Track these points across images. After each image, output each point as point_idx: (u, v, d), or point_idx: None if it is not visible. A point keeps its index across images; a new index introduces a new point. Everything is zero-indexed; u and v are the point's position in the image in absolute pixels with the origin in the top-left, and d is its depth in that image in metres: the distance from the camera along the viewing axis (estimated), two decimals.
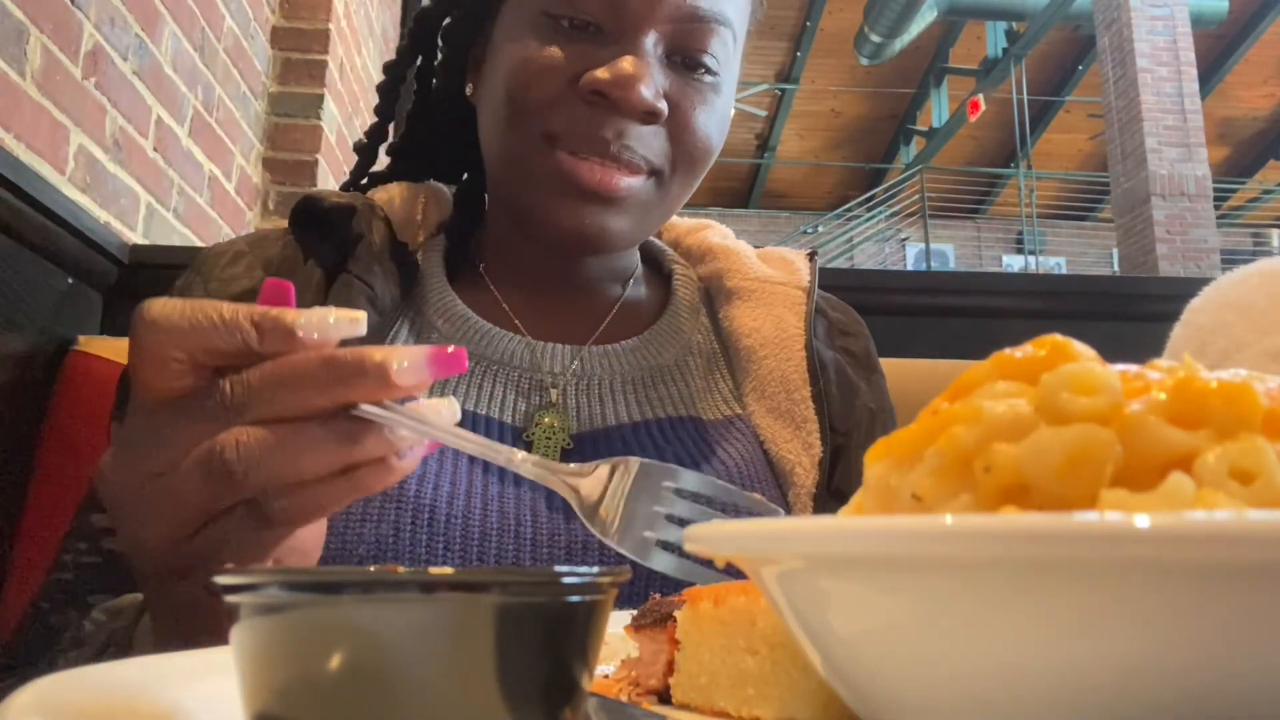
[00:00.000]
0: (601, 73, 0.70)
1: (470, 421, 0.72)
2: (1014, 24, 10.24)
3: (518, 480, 0.69)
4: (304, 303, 0.73)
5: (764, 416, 0.78)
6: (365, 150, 0.89)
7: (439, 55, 0.86)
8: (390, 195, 0.84)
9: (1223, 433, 0.24)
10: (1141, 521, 0.19)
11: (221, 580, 0.26)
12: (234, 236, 0.87)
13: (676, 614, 0.39)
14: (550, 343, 0.79)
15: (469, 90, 0.83)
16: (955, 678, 0.22)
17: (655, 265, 0.92)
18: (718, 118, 0.77)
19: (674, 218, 0.95)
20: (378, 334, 0.74)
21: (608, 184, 0.71)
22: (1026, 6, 9.76)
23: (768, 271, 0.88)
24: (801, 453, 0.75)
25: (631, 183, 0.72)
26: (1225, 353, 0.88)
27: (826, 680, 0.27)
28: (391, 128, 0.90)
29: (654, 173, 0.74)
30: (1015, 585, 0.21)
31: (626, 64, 0.69)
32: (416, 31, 0.85)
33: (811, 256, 0.92)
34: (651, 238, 0.94)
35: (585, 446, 0.74)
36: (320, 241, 0.78)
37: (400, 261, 0.79)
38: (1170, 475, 0.23)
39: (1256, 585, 0.19)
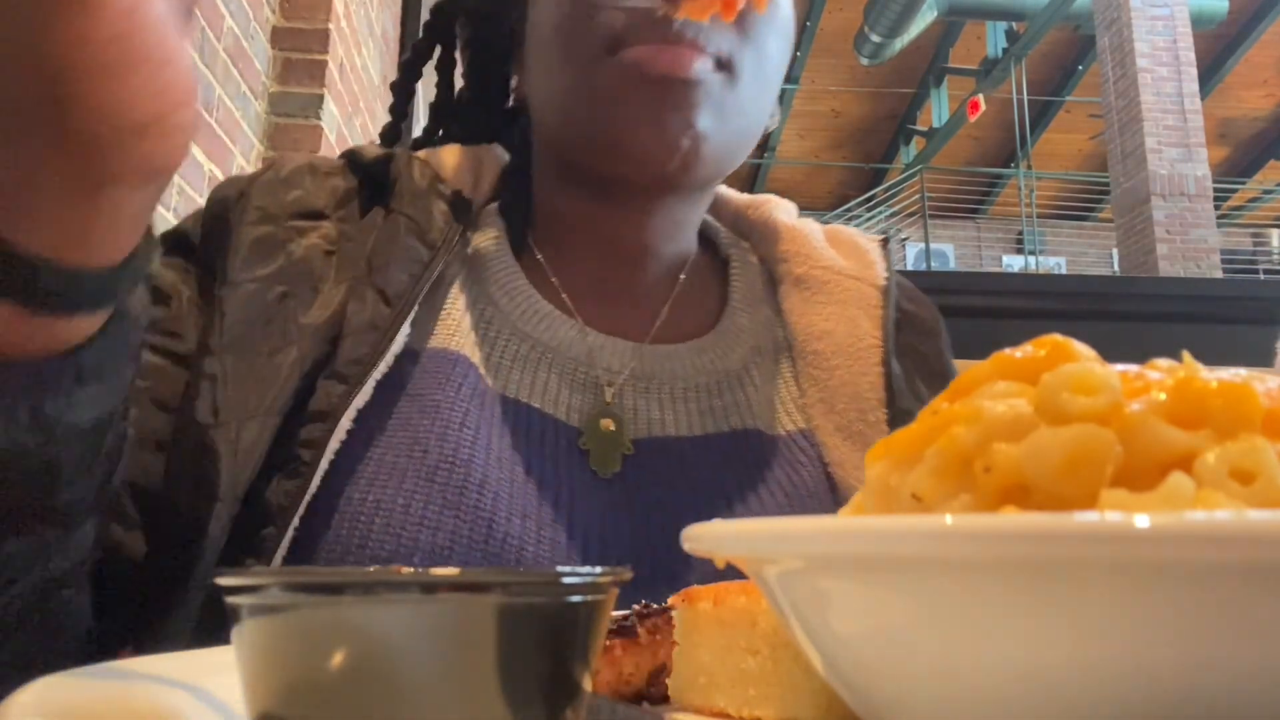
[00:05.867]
0: None
1: (525, 417, 0.67)
2: (1014, 24, 10.24)
3: (575, 503, 0.64)
4: (367, 243, 0.66)
5: (831, 435, 0.72)
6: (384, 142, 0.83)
7: (467, 55, 0.82)
8: (430, 154, 0.77)
9: (1223, 433, 0.24)
10: (1141, 521, 0.19)
11: (223, 581, 0.26)
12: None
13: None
14: (607, 335, 0.72)
15: (514, 82, 0.79)
16: (955, 678, 0.22)
17: (711, 248, 0.84)
18: (779, 14, 0.70)
19: (730, 192, 0.87)
20: (437, 281, 0.68)
21: (680, 66, 0.64)
22: (1026, 6, 9.76)
23: (839, 261, 0.79)
24: None
25: (704, 66, 0.65)
26: None
27: (827, 681, 0.27)
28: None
29: (722, 66, 0.67)
30: (1015, 585, 0.21)
31: None
32: (433, 24, 0.82)
33: (885, 243, 0.83)
34: (708, 217, 0.85)
35: (644, 455, 0.68)
36: (371, 193, 0.72)
37: (451, 205, 0.71)
38: (1170, 475, 0.23)
39: (1256, 585, 0.19)
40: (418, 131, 0.86)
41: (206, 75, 2.06)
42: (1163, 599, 0.20)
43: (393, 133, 0.84)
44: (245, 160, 2.30)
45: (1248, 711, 0.20)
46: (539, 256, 0.75)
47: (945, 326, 0.83)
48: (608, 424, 0.68)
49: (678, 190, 0.72)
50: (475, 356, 0.68)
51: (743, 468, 0.69)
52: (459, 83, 0.85)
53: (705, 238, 0.83)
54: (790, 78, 11.56)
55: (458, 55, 0.83)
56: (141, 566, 0.56)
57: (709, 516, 0.68)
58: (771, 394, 0.74)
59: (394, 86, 0.83)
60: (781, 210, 0.84)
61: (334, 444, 0.59)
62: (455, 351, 0.67)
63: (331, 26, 2.58)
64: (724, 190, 0.87)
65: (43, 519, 0.44)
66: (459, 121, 0.83)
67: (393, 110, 0.84)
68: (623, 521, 0.64)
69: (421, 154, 0.76)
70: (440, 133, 0.84)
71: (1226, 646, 0.20)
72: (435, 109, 0.84)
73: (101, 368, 0.42)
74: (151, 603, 0.56)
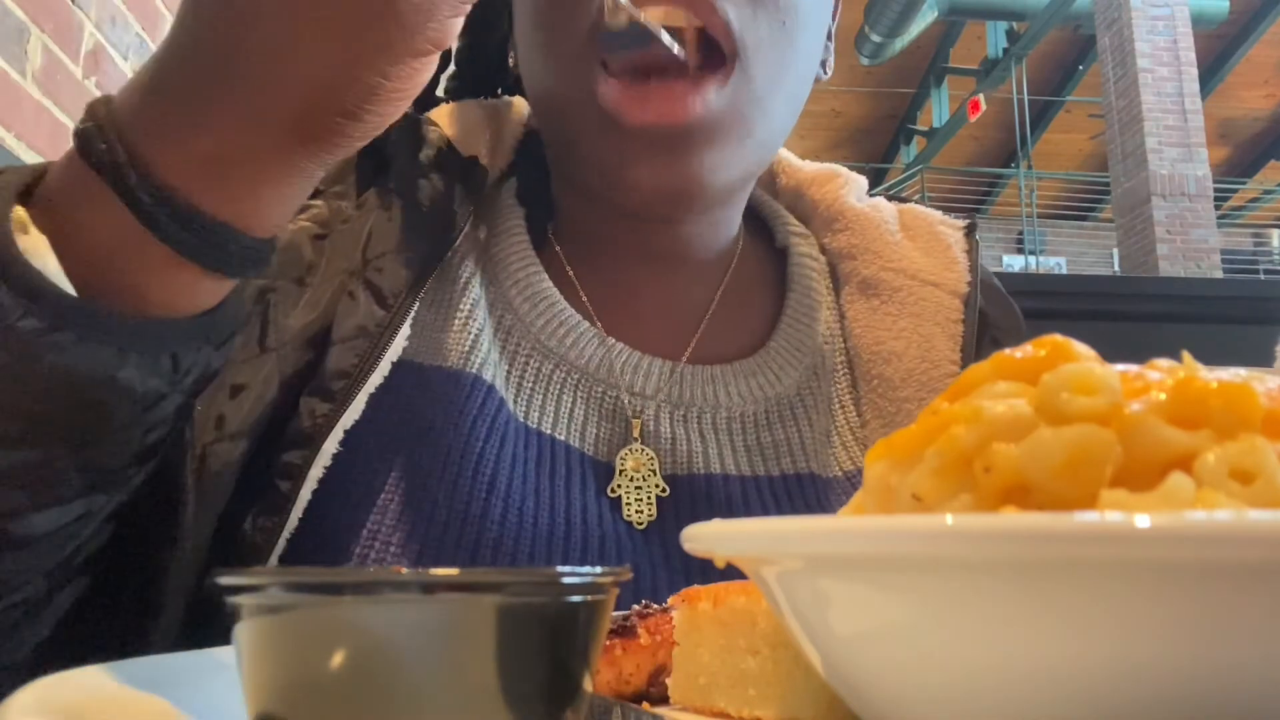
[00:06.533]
0: None
1: (550, 454, 0.59)
2: (1014, 24, 10.23)
3: (607, 561, 0.56)
4: (362, 238, 0.58)
5: None
6: None
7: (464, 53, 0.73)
8: (441, 113, 0.67)
9: (1223, 433, 0.24)
10: (1141, 521, 0.19)
11: (223, 581, 0.26)
12: None
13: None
14: (641, 352, 0.63)
15: (512, 61, 0.71)
16: (955, 678, 0.22)
17: (764, 233, 0.72)
18: None
19: (793, 159, 0.76)
20: (443, 276, 0.61)
21: (669, 113, 0.55)
22: (1027, 6, 9.75)
23: (916, 260, 0.67)
24: None
25: (699, 102, 0.55)
26: None
27: (827, 681, 0.27)
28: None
29: (736, 54, 0.56)
30: (1015, 585, 0.21)
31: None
32: None
33: (970, 232, 0.69)
34: (762, 194, 0.73)
35: (682, 494, 0.60)
36: (371, 166, 0.63)
37: (461, 177, 0.63)
38: (1170, 475, 0.23)
39: (1256, 585, 0.19)
40: None
41: None
42: (1163, 599, 0.20)
43: None
44: None
45: (1247, 711, 0.20)
46: (559, 253, 0.67)
47: (1023, 322, 0.71)
48: (637, 462, 0.60)
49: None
50: (494, 376, 0.60)
51: None
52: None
53: (759, 219, 0.72)
54: None
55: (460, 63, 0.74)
56: (100, 601, 0.49)
57: None
58: (829, 426, 0.65)
59: None
60: (851, 190, 0.72)
61: (316, 472, 0.53)
62: (471, 373, 0.59)
63: None
64: (785, 157, 0.75)
65: (118, 482, 0.45)
66: (460, 77, 0.74)
67: None
68: (662, 580, 0.56)
69: (433, 113, 0.67)
70: (441, 89, 0.75)
71: (1226, 646, 0.20)
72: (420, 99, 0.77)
73: (224, 329, 0.45)
74: (111, 642, 0.50)
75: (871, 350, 0.65)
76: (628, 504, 0.59)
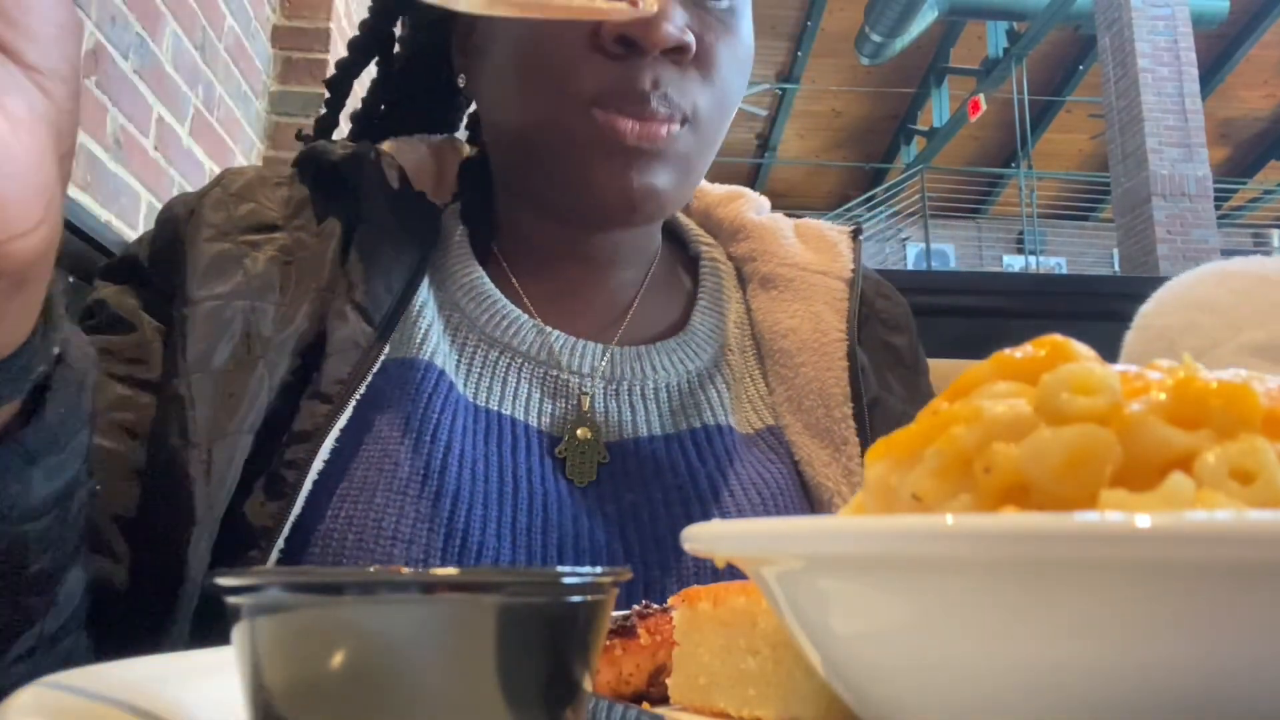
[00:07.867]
0: (622, 16, 0.60)
1: (498, 426, 0.67)
2: (1015, 24, 10.23)
3: (550, 512, 0.63)
4: (327, 258, 0.66)
5: (800, 433, 0.72)
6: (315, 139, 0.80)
7: (405, 47, 0.81)
8: (396, 149, 0.76)
9: (1223, 433, 0.24)
10: (1141, 521, 0.19)
11: (223, 581, 0.26)
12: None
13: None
14: (576, 338, 0.72)
15: (461, 82, 0.77)
16: (955, 678, 0.22)
17: (679, 244, 0.84)
18: (741, 51, 0.71)
19: (703, 184, 0.87)
20: (414, 303, 0.69)
21: (654, 138, 0.65)
22: (1027, 6, 9.75)
23: (806, 256, 0.79)
24: (841, 480, 0.69)
25: (672, 129, 0.66)
26: (1199, 351, 0.86)
27: (827, 681, 0.27)
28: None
29: (687, 120, 0.68)
30: (1015, 585, 0.21)
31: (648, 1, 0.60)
32: (375, 23, 0.80)
33: (855, 235, 0.83)
34: (677, 213, 0.84)
35: (617, 459, 0.68)
36: (328, 196, 0.71)
37: (419, 211, 0.72)
38: (1170, 475, 0.23)
39: (1256, 585, 0.19)
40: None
41: (207, 74, 2.06)
42: (1163, 599, 0.20)
43: (329, 125, 0.83)
44: (246, 159, 2.30)
45: (1248, 710, 0.20)
46: (503, 264, 0.75)
47: (914, 321, 0.83)
48: (585, 433, 0.68)
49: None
50: (445, 364, 0.68)
51: (715, 465, 0.68)
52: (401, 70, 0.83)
53: (673, 233, 0.84)
54: (791, 77, 11.56)
55: (396, 34, 0.81)
56: (127, 597, 0.55)
57: (683, 519, 0.65)
58: (740, 392, 0.75)
59: (330, 83, 0.82)
60: (750, 207, 0.84)
61: (317, 464, 0.60)
62: (423, 360, 0.67)
63: (332, 26, 2.58)
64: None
65: (22, 590, 0.45)
66: (403, 107, 0.82)
67: (329, 104, 0.83)
68: (598, 528, 0.64)
69: (386, 148, 0.75)
70: (381, 111, 0.82)
71: (1226, 646, 0.20)
72: (376, 88, 0.82)
73: (54, 441, 0.42)
74: (139, 633, 0.55)
75: (772, 330, 0.77)
76: (571, 467, 0.67)
